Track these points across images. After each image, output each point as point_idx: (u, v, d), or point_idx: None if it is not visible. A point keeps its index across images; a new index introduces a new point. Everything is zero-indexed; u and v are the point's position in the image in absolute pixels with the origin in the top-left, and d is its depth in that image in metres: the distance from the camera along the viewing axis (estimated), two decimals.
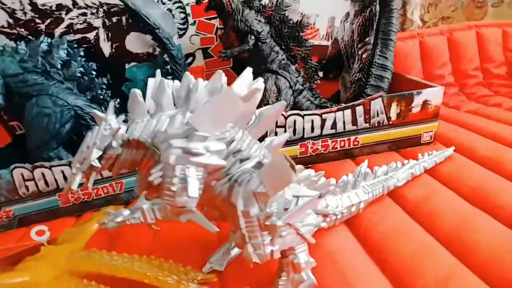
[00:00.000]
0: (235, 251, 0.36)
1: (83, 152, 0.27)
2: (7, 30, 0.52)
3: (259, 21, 0.53)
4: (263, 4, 0.54)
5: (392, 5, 0.59)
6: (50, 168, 0.47)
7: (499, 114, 0.67)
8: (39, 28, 0.52)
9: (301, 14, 0.60)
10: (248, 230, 0.25)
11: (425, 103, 0.53)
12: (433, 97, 0.53)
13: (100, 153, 0.26)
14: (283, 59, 0.55)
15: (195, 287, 0.30)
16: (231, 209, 0.26)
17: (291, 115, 0.50)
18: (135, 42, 0.56)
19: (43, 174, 0.47)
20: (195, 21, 0.60)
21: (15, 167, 0.46)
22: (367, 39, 0.65)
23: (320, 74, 0.69)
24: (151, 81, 0.29)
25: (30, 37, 0.52)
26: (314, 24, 0.62)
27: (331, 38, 0.65)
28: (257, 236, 0.26)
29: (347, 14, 0.64)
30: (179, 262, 0.33)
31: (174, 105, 0.29)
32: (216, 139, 0.26)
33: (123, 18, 0.54)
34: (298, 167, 0.32)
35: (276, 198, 0.27)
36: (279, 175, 0.23)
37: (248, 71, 0.28)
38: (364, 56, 0.64)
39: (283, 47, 0.55)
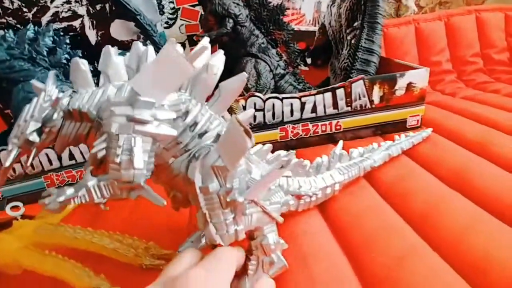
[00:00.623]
0: (204, 239, 0.33)
1: (20, 126, 0.23)
2: None
3: (237, 4, 0.53)
4: None
5: None
6: None
7: (495, 99, 0.64)
8: (26, 17, 0.54)
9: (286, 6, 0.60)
10: (209, 208, 0.24)
11: (409, 86, 0.52)
12: (418, 79, 0.52)
13: (38, 125, 0.23)
14: (262, 42, 0.55)
15: (151, 260, 0.31)
16: (191, 187, 0.24)
17: (269, 98, 0.49)
18: (119, 30, 0.57)
19: (28, 157, 0.49)
20: (179, 8, 0.61)
21: (2, 149, 0.48)
22: (355, 24, 0.64)
23: (308, 60, 0.68)
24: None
25: (18, 25, 0.54)
26: (300, 9, 0.62)
27: (318, 24, 0.64)
28: (218, 214, 0.24)
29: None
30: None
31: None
32: (167, 109, 0.24)
33: (107, 5, 0.55)
34: (268, 145, 0.32)
35: (238, 174, 0.25)
36: (234, 143, 0.22)
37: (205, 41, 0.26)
38: (353, 42, 0.63)
39: (263, 30, 0.55)
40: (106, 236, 0.32)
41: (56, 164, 0.50)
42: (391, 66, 0.61)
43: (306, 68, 0.68)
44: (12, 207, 0.38)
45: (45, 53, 0.53)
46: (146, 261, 0.31)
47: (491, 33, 0.82)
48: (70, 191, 0.23)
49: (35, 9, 0.54)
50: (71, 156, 0.50)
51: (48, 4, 0.53)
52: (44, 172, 0.50)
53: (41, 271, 0.31)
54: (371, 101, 0.52)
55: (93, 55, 0.58)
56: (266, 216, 0.27)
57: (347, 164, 0.41)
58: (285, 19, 0.59)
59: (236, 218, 0.25)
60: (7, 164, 0.23)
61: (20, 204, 0.38)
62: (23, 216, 0.38)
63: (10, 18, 0.54)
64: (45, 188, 0.51)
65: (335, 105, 0.52)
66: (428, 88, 0.77)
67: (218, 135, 0.26)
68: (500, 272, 0.27)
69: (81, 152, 0.50)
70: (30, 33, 0.53)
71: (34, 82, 0.25)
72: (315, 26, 0.64)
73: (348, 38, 0.65)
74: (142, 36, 0.57)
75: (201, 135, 0.25)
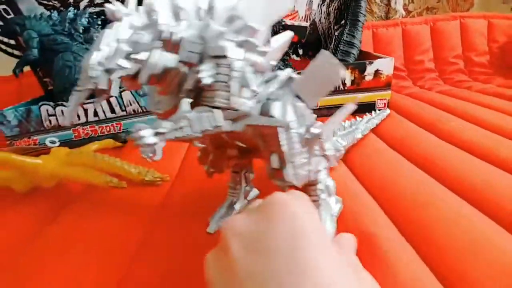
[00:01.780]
0: (238, 205, 0.34)
1: (101, 51, 0.19)
2: (45, 2, 0.67)
3: None
4: None
5: None
6: (68, 107, 0.61)
7: (463, 93, 0.72)
8: (68, 1, 0.67)
9: None
10: (289, 146, 0.24)
11: (377, 72, 0.61)
12: (384, 67, 0.61)
13: (128, 50, 0.20)
14: None
15: (150, 177, 0.42)
16: (268, 130, 0.23)
17: None
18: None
19: (62, 111, 0.61)
20: None
21: (43, 104, 0.60)
22: (342, 22, 0.74)
23: (300, 51, 0.78)
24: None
25: (61, 8, 0.67)
26: (294, 6, 0.72)
27: (309, 20, 0.75)
28: (297, 154, 0.24)
29: None
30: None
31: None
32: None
33: None
34: None
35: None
36: (324, 76, 0.22)
37: None
38: (337, 35, 0.73)
39: None
40: (118, 160, 0.43)
41: (83, 119, 0.62)
42: (369, 58, 0.70)
43: (298, 59, 0.78)
44: (50, 141, 0.49)
45: (81, 31, 0.66)
46: (146, 177, 0.42)
47: (473, 38, 0.90)
48: (167, 124, 0.20)
49: None
50: (95, 113, 0.62)
51: None
52: (73, 125, 0.62)
53: (71, 178, 0.42)
54: (344, 84, 0.62)
55: None
56: (324, 160, 0.28)
57: (345, 132, 0.45)
58: None
59: (310, 158, 0.25)
60: (110, 92, 0.20)
61: (56, 139, 0.50)
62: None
63: (56, 2, 0.67)
64: (72, 138, 0.63)
65: None
66: (410, 83, 0.86)
67: (290, 78, 0.25)
68: (446, 241, 0.28)
69: (103, 111, 0.62)
70: (70, 14, 0.65)
71: (107, 6, 0.21)
72: (307, 22, 0.75)
73: (336, 34, 0.75)
74: None
75: (267, 81, 0.24)
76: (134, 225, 0.36)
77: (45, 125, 0.62)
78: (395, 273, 0.24)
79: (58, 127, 0.62)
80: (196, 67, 0.22)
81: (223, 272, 0.17)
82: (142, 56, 0.21)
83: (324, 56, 0.22)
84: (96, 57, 0.19)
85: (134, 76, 0.21)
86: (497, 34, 0.90)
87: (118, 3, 0.21)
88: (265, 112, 0.23)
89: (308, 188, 0.28)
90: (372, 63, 0.61)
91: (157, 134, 0.20)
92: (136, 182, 0.43)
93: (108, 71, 0.20)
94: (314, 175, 0.26)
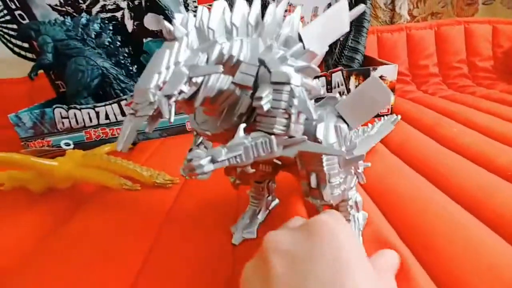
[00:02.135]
0: (261, 216, 0.34)
1: (161, 74, 0.18)
2: (59, 8, 0.69)
3: None
4: None
5: None
6: (80, 110, 0.63)
7: (465, 98, 0.73)
8: (81, 7, 0.69)
9: (288, 3, 0.72)
10: (329, 168, 0.24)
11: (381, 79, 0.63)
12: (388, 73, 0.62)
13: (187, 74, 0.19)
14: None
15: (162, 180, 0.44)
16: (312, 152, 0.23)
17: None
18: (151, 21, 0.71)
19: (75, 114, 0.63)
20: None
21: (56, 107, 0.63)
22: None
23: None
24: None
25: (74, 14, 0.69)
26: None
27: None
28: (336, 174, 0.24)
29: (329, 4, 0.74)
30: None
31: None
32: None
33: (143, 1, 0.69)
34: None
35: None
36: (371, 99, 0.22)
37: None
38: (341, 41, 0.74)
39: None
40: (131, 163, 0.45)
41: (94, 122, 0.64)
42: (373, 63, 0.71)
43: None
44: (65, 144, 0.51)
45: (93, 36, 0.68)
46: (158, 180, 0.44)
47: (478, 43, 0.90)
48: (223, 151, 0.20)
49: (88, 1, 0.69)
50: (107, 116, 0.64)
51: None
52: (84, 127, 0.65)
53: (86, 180, 0.44)
54: (348, 89, 0.63)
55: (129, 40, 0.73)
56: (354, 176, 0.28)
57: (360, 140, 0.45)
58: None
59: (346, 177, 0.25)
60: (172, 118, 0.19)
61: (70, 141, 0.52)
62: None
63: (69, 8, 0.69)
64: (84, 140, 0.65)
65: None
66: (413, 87, 0.87)
67: (331, 98, 0.26)
68: (444, 247, 0.29)
69: (114, 114, 0.64)
70: (83, 20, 0.68)
71: (166, 23, 0.20)
72: None
73: (341, 39, 0.77)
74: None
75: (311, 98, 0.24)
76: (146, 226, 0.38)
77: (58, 127, 0.64)
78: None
79: (71, 129, 0.64)
80: (249, 89, 0.22)
81: (262, 284, 0.17)
82: (200, 79, 0.20)
83: (374, 80, 0.22)
84: (156, 80, 0.18)
85: (189, 99, 0.20)
86: (502, 39, 0.90)
87: (177, 21, 0.20)
88: (309, 133, 0.23)
89: (340, 204, 0.28)
90: (376, 69, 0.62)
91: (214, 162, 0.20)
92: (148, 184, 0.44)
93: (168, 96, 0.19)
94: (347, 193, 0.27)
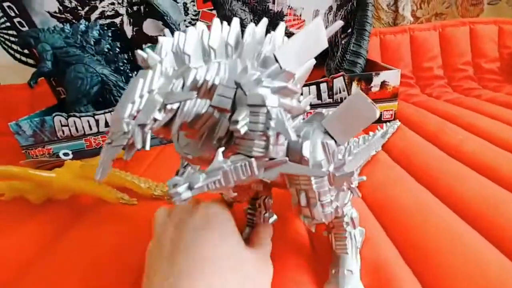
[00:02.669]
0: (245, 232, 0.34)
1: (135, 103, 0.18)
2: (58, 15, 0.69)
3: (244, 10, 0.64)
4: None
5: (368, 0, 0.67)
6: (80, 117, 0.63)
7: (471, 102, 0.72)
8: (80, 14, 0.69)
9: (288, 6, 0.71)
10: (318, 186, 0.23)
11: (383, 84, 0.62)
12: (391, 79, 0.61)
13: (161, 101, 0.19)
14: None
15: (159, 192, 0.43)
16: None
17: None
18: (150, 27, 0.71)
19: (74, 122, 0.63)
20: (199, 11, 0.73)
21: (56, 115, 0.63)
22: (349, 31, 0.74)
23: None
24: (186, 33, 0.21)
25: (73, 20, 0.69)
26: (300, 15, 0.73)
27: None
28: (326, 192, 0.24)
29: (330, 7, 0.73)
30: None
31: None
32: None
33: (142, 7, 0.69)
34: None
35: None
36: (357, 115, 0.22)
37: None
38: (343, 44, 0.73)
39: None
40: (129, 175, 0.45)
41: (94, 129, 0.64)
42: (376, 68, 0.70)
43: None
44: (64, 154, 0.51)
45: (92, 42, 0.67)
46: (156, 192, 0.43)
47: (483, 44, 0.89)
48: (201, 177, 0.20)
49: (87, 8, 0.68)
50: (107, 124, 0.64)
51: (97, 4, 0.68)
52: (84, 135, 0.64)
53: (83, 191, 0.44)
54: (350, 95, 0.62)
55: (128, 46, 0.72)
56: (348, 192, 0.28)
57: (359, 150, 0.42)
58: (286, 24, 0.70)
59: (338, 194, 0.25)
60: (147, 147, 0.19)
61: (69, 151, 0.52)
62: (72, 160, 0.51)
63: (68, 15, 0.69)
64: (84, 148, 0.65)
65: (319, 96, 0.62)
66: (417, 90, 0.86)
67: (317, 114, 0.26)
68: (443, 263, 0.29)
69: None
70: (82, 27, 0.67)
71: (139, 52, 0.20)
72: None
73: (342, 42, 0.76)
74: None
75: (294, 117, 0.25)
76: (143, 239, 0.37)
77: (58, 135, 0.64)
78: None
79: (71, 137, 0.64)
80: (227, 112, 0.22)
81: (155, 246, 0.26)
82: (175, 105, 0.20)
83: (358, 95, 0.22)
84: (129, 110, 0.18)
85: (165, 125, 0.20)
86: (508, 40, 0.88)
87: (149, 49, 0.20)
88: (295, 151, 0.23)
89: (334, 221, 0.28)
90: (378, 74, 0.61)
91: (192, 188, 0.20)
92: (146, 196, 0.44)
93: (142, 125, 0.18)
94: (341, 210, 0.26)
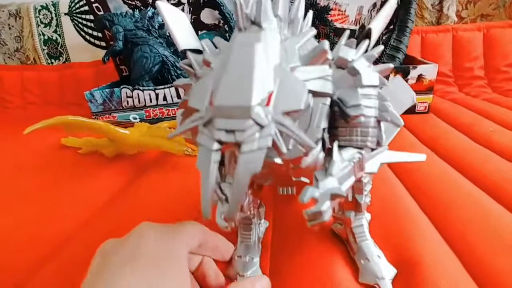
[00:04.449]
0: (257, 247, 0.31)
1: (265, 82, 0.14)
2: (129, 1, 0.79)
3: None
4: None
5: None
6: (143, 91, 0.73)
7: (507, 101, 0.73)
8: (148, 2, 0.79)
9: (334, 2, 0.76)
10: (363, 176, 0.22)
11: (420, 77, 0.65)
12: (428, 73, 0.65)
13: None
14: None
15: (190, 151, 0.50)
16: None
17: None
18: (207, 15, 0.79)
19: (138, 94, 0.73)
20: None
21: (123, 87, 0.73)
22: (391, 27, 0.77)
23: None
24: None
25: (142, 7, 0.79)
26: (345, 11, 0.77)
27: (359, 24, 0.79)
28: (368, 182, 0.24)
29: (374, 4, 0.77)
30: None
31: None
32: None
33: None
34: None
35: None
36: (398, 97, 0.22)
37: None
38: (384, 39, 0.77)
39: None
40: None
41: (154, 102, 0.73)
42: (414, 62, 0.74)
43: None
44: (133, 117, 0.61)
45: (157, 27, 0.77)
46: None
47: None
48: (336, 182, 0.17)
49: None
50: (164, 98, 0.73)
51: None
52: (145, 106, 0.74)
53: (153, 147, 0.53)
54: None
55: None
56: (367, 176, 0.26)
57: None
58: (330, 18, 0.75)
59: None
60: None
61: (137, 116, 0.61)
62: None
63: (138, 1, 0.79)
64: (144, 117, 0.74)
65: None
66: (455, 89, 0.87)
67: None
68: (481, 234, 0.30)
69: (171, 96, 0.73)
70: (149, 13, 0.77)
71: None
72: (356, 25, 0.79)
73: (384, 38, 0.79)
74: (222, 21, 0.78)
75: None
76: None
77: (124, 105, 0.74)
78: None
79: (134, 107, 0.74)
80: (327, 96, 0.18)
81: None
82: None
83: (398, 81, 0.24)
84: (259, 92, 0.14)
85: None
86: None
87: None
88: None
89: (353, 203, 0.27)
90: (416, 67, 0.65)
91: (332, 196, 0.17)
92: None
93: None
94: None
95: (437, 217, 0.34)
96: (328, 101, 0.18)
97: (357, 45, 0.20)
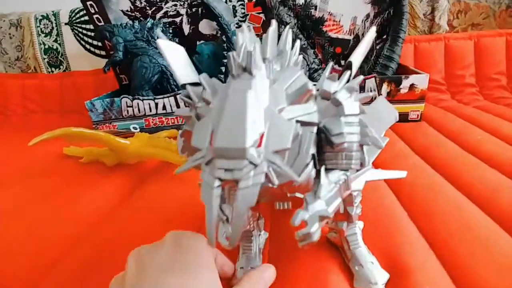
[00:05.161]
0: (258, 258, 0.31)
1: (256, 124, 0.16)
2: (129, 13, 0.81)
3: (289, 15, 0.73)
4: (295, 3, 0.74)
5: (403, 9, 0.73)
6: (142, 100, 0.74)
7: (497, 109, 0.75)
8: (147, 13, 0.81)
9: (329, 13, 0.78)
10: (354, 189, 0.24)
11: (412, 86, 0.67)
12: (419, 82, 0.67)
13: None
14: (303, 44, 0.74)
15: None
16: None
17: None
18: (205, 26, 0.81)
19: (138, 104, 0.75)
20: (248, 14, 0.83)
21: (123, 97, 0.74)
22: (384, 37, 0.80)
23: (342, 62, 0.85)
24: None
25: (142, 18, 0.81)
26: (339, 21, 0.80)
27: (353, 34, 0.81)
28: (358, 194, 0.26)
29: (368, 15, 0.79)
30: None
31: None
32: None
33: (199, 9, 0.79)
34: None
35: None
36: (381, 116, 0.24)
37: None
38: (377, 49, 0.79)
39: (305, 35, 0.74)
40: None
41: (153, 111, 0.75)
42: (406, 72, 0.76)
43: (340, 69, 0.86)
44: (133, 127, 0.62)
45: (156, 38, 0.79)
46: None
47: None
48: (323, 205, 0.19)
49: (153, 8, 0.80)
50: (164, 107, 0.75)
51: (162, 5, 0.79)
52: (145, 115, 0.76)
53: (153, 157, 0.54)
54: (380, 95, 0.68)
55: (185, 42, 0.83)
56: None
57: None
58: (325, 29, 0.77)
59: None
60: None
61: (137, 126, 0.63)
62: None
63: (137, 13, 0.81)
64: (143, 126, 0.76)
65: None
66: (448, 96, 0.89)
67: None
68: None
69: (170, 105, 0.75)
70: (149, 24, 0.79)
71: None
72: (350, 35, 0.82)
73: (377, 47, 0.82)
74: (220, 32, 0.80)
75: None
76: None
77: (124, 114, 0.75)
78: None
79: (133, 116, 0.76)
80: (314, 126, 0.20)
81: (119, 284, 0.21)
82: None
83: (381, 101, 0.25)
84: (253, 134, 0.16)
85: None
86: None
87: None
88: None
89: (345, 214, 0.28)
90: (408, 77, 0.67)
91: (320, 218, 0.18)
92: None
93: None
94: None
95: (424, 225, 0.36)
96: (315, 129, 0.20)
97: (339, 77, 0.23)
